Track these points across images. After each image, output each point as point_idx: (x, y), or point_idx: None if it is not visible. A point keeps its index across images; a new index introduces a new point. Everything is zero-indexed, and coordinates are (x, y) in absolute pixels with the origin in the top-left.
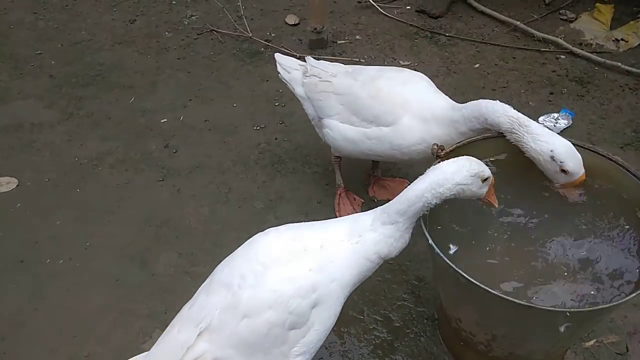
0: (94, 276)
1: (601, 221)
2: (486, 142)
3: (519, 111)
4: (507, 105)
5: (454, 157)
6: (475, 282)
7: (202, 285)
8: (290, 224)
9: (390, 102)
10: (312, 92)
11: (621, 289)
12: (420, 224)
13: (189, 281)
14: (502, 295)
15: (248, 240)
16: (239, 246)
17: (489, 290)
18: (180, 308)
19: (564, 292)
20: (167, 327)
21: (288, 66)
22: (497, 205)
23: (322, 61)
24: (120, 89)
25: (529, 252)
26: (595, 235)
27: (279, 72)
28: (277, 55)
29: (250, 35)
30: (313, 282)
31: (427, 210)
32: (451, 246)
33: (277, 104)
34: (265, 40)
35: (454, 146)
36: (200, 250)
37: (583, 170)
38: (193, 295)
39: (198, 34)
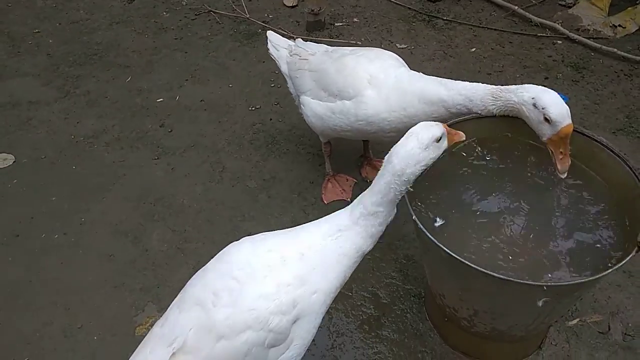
0: (89, 251)
1: (584, 201)
2: (480, 121)
3: None
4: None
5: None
6: (455, 255)
7: (174, 301)
8: (266, 233)
9: (354, 76)
10: (292, 70)
11: (602, 267)
12: (405, 200)
13: (182, 257)
14: (480, 269)
15: (221, 252)
16: (231, 224)
17: (468, 264)
18: (173, 283)
19: (545, 268)
20: (158, 302)
21: (277, 44)
22: (463, 137)
23: (308, 42)
24: (117, 69)
25: (513, 228)
26: (579, 214)
27: (268, 49)
28: (269, 33)
29: (248, 16)
30: (294, 297)
31: (404, 192)
32: (437, 219)
33: (272, 85)
34: (263, 22)
35: (449, 123)
36: (193, 227)
37: (569, 120)
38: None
39: (196, 14)
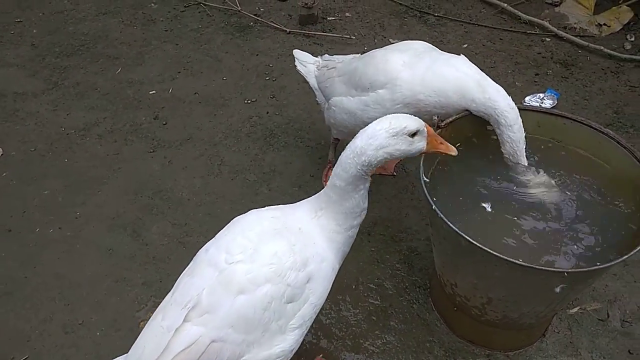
0: (86, 245)
1: (591, 191)
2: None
3: (507, 92)
4: (521, 135)
5: (457, 125)
6: (476, 243)
7: (183, 272)
8: (268, 207)
9: (384, 63)
10: (321, 82)
11: (606, 255)
12: (423, 190)
13: (184, 251)
14: (503, 257)
15: (230, 222)
16: (233, 217)
17: (490, 251)
18: (175, 277)
19: (556, 257)
20: (161, 296)
21: (304, 60)
22: (454, 153)
23: (335, 56)
24: (106, 60)
25: (521, 218)
26: (586, 205)
27: (296, 66)
28: (296, 51)
29: (239, 9)
30: (306, 255)
31: (365, 174)
32: (485, 206)
33: (267, 78)
34: (255, 15)
35: (454, 118)
36: (194, 220)
37: None
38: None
39: (185, 6)
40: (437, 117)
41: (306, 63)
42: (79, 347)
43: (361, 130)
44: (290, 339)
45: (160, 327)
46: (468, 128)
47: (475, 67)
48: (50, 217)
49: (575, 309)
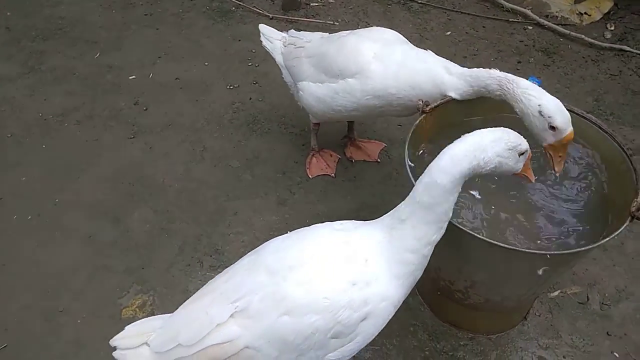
0: (65, 232)
1: (569, 177)
2: (474, 100)
3: None
4: (492, 69)
5: (440, 113)
6: (461, 227)
7: (244, 259)
8: (343, 222)
9: (356, 53)
10: (287, 59)
11: (587, 238)
12: (408, 175)
13: (166, 237)
14: (488, 240)
15: (304, 229)
16: (215, 204)
17: (476, 235)
18: (158, 264)
19: (538, 240)
20: (143, 283)
21: (270, 36)
22: (533, 180)
23: (302, 32)
24: (84, 44)
25: (502, 201)
26: (567, 188)
27: (262, 41)
28: (261, 26)
29: None
30: (366, 295)
31: (466, 178)
32: (474, 194)
33: (250, 63)
34: (237, 0)
35: (438, 103)
36: (177, 207)
37: (571, 127)
38: (231, 266)
39: None
40: (422, 101)
41: (272, 39)
42: (60, 335)
43: (479, 132)
44: None
45: (205, 313)
46: (452, 114)
47: (442, 59)
48: (28, 204)
49: (556, 293)
